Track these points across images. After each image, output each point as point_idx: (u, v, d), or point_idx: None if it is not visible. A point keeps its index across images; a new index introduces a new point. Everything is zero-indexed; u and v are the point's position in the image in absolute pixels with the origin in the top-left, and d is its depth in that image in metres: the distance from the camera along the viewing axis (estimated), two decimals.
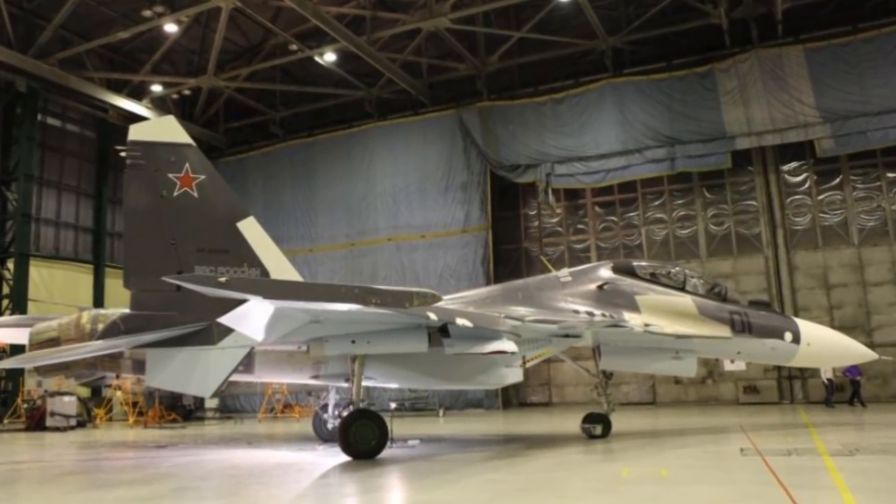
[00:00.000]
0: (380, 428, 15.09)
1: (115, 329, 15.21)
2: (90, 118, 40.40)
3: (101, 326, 15.87)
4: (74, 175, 40.02)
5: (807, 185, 34.09)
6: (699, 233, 35.43)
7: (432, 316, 13.00)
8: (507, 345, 14.88)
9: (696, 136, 33.47)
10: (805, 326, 19.39)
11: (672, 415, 28.12)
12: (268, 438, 23.40)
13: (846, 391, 29.63)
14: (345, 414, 17.04)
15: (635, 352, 18.57)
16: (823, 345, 19.31)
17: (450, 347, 14.58)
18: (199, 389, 15.68)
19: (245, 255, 15.69)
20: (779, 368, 31.77)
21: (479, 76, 37.43)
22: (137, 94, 37.77)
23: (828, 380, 29.41)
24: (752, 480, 11.27)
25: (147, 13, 32.81)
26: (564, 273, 19.53)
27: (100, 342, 15.15)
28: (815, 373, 30.22)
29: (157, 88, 38.23)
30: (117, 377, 26.60)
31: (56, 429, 28.16)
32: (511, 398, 36.79)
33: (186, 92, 39.46)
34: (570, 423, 20.79)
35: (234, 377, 15.77)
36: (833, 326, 25.24)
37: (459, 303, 18.10)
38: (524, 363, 16.61)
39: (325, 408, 20.48)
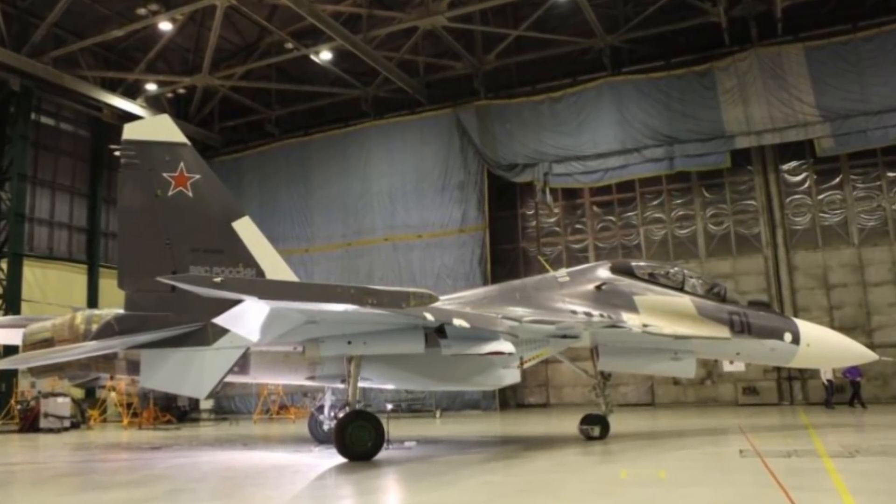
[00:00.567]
0: (376, 429, 15.02)
1: (109, 330, 15.10)
2: (84, 117, 40.32)
3: (95, 327, 15.79)
4: (68, 174, 39.91)
5: (806, 185, 34.01)
6: (698, 233, 35.34)
7: (429, 316, 12.92)
8: (505, 345, 14.80)
9: (695, 136, 33.42)
10: (805, 327, 19.31)
11: (671, 416, 28.09)
12: (263, 440, 23.30)
13: (846, 392, 29.57)
14: (341, 415, 16.95)
15: (634, 352, 18.47)
16: (823, 345, 19.22)
17: (447, 348, 14.49)
18: (194, 390, 15.57)
19: (240, 255, 15.58)
20: (778, 369, 31.69)
21: (477, 75, 37.33)
22: (132, 92, 37.65)
23: (828, 381, 29.31)
24: (751, 482, 11.20)
25: (142, 11, 32.78)
26: (562, 273, 19.45)
27: (94, 343, 15.06)
28: (814, 374, 30.13)
29: (151, 87, 38.13)
30: (111, 378, 26.45)
31: (50, 430, 28.05)
32: (509, 399, 36.69)
33: (181, 91, 39.38)
34: (568, 424, 20.70)
35: (230, 378, 15.80)
36: (833, 327, 25.14)
37: (456, 303, 17.99)
38: (522, 364, 16.52)
39: (321, 409, 20.40)
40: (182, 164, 15.60)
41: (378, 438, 14.99)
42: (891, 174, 32.59)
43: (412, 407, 32.64)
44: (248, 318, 12.59)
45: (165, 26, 33.63)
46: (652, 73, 34.37)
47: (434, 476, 12.84)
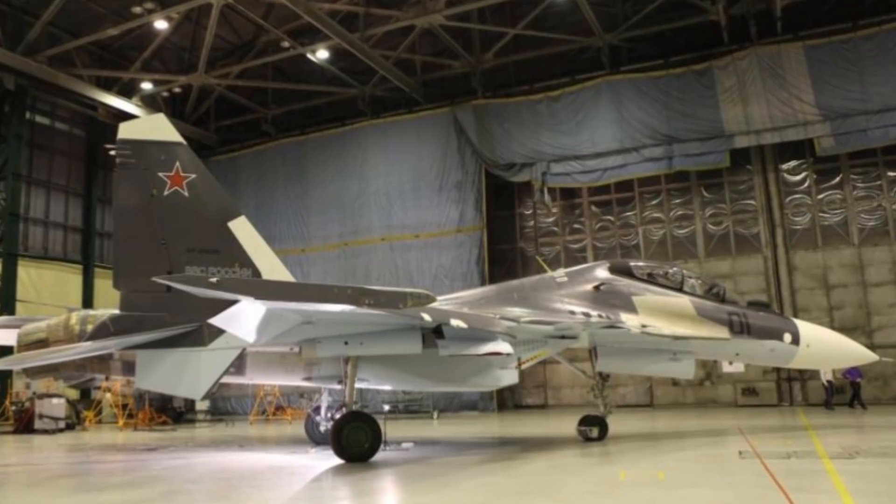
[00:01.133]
0: (373, 430, 14.93)
1: (104, 330, 15.08)
2: (79, 116, 40.18)
3: (90, 327, 15.91)
4: (63, 174, 39.73)
5: (806, 185, 33.94)
6: (697, 232, 35.27)
7: (426, 317, 12.85)
8: (503, 346, 14.71)
9: (694, 135, 33.32)
10: (804, 327, 19.28)
11: (670, 417, 28.04)
12: (259, 441, 23.21)
13: (846, 393, 29.52)
14: (337, 416, 16.90)
15: (632, 353, 18.41)
16: (823, 346, 19.18)
17: (444, 349, 14.41)
18: (189, 391, 15.59)
19: (236, 255, 15.52)
20: (778, 370, 31.62)
21: (474, 74, 37.21)
22: (127, 91, 37.51)
23: (827, 381, 29.24)
24: (750, 483, 11.13)
25: (137, 10, 32.62)
26: (560, 273, 19.39)
27: (89, 343, 15.07)
28: (814, 374, 30.04)
29: (147, 86, 38.01)
30: (107, 379, 26.38)
31: (45, 431, 27.87)
32: (506, 400, 36.59)
33: (177, 90, 39.29)
34: (567, 425, 20.61)
35: (226, 379, 15.73)
36: (833, 327, 25.09)
37: (454, 303, 17.94)
38: (520, 365, 16.44)
39: (317, 410, 20.32)
40: (178, 164, 15.55)
41: (375, 440, 14.89)
42: (891, 174, 32.53)
43: (409, 408, 32.56)
44: (244, 319, 12.49)
45: (161, 25, 33.50)
46: (651, 71, 34.27)
47: (432, 477, 12.77)
